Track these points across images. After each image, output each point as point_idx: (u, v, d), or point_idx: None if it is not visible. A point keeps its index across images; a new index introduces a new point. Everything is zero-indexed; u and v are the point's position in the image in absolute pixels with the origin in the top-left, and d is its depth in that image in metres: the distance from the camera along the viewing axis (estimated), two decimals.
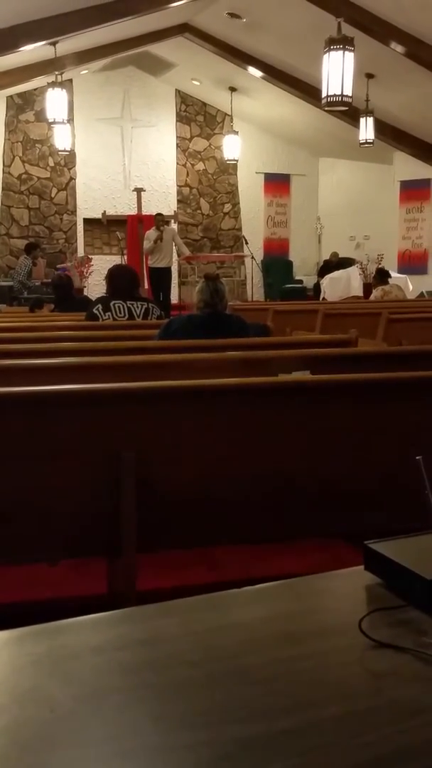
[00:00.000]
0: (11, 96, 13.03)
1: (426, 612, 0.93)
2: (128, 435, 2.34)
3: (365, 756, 0.67)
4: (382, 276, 9.03)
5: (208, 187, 14.51)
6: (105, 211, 12.96)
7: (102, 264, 12.14)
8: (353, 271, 11.46)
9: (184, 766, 0.67)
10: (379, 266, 10.27)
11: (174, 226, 12.79)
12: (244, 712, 0.75)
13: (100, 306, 4.77)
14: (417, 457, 1.00)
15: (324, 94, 7.57)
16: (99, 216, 13.00)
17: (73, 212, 13.70)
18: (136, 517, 2.29)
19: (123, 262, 11.76)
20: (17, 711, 0.76)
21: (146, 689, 0.79)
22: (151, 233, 11.05)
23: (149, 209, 12.70)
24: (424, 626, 0.90)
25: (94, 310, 4.75)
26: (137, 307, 4.74)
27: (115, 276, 4.90)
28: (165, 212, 12.34)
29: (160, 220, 11.16)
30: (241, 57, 11.30)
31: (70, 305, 6.41)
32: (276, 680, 0.80)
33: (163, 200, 13.80)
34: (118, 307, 4.70)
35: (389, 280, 8.98)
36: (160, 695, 0.78)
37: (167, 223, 11.60)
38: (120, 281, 4.84)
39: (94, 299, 6.02)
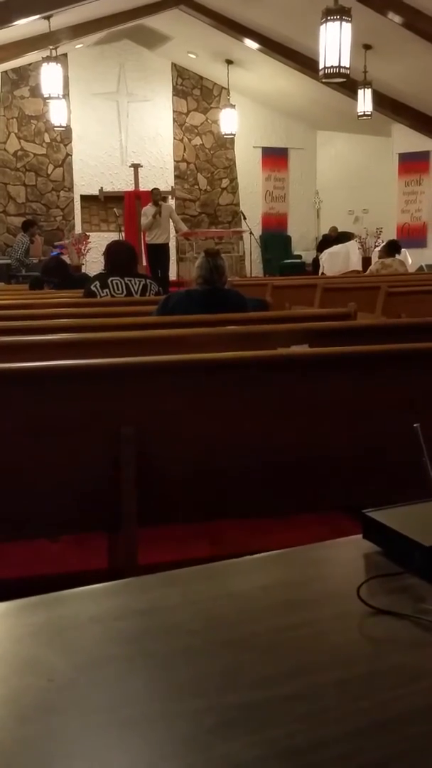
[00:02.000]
0: (5, 71, 12.88)
1: (424, 578, 0.93)
2: (128, 410, 2.34)
3: (365, 720, 0.68)
4: (391, 248, 8.93)
5: (206, 162, 14.38)
6: (102, 188, 12.86)
7: (100, 241, 12.07)
8: (352, 246, 11.41)
9: (184, 734, 0.68)
10: (392, 239, 10.17)
11: (171, 202, 12.71)
12: (244, 679, 0.75)
13: (97, 283, 4.74)
14: (414, 425, 1.00)
15: (321, 66, 7.50)
16: (96, 192, 12.90)
17: (70, 189, 13.60)
18: (136, 491, 2.30)
19: (121, 239, 11.70)
20: (16, 681, 0.76)
21: (146, 658, 0.79)
22: (149, 209, 10.97)
23: (146, 185, 12.60)
24: (422, 593, 0.90)
25: (92, 287, 4.73)
26: (135, 283, 4.71)
27: (113, 252, 4.88)
28: (162, 188, 12.26)
29: (157, 195, 11.07)
30: (238, 29, 11.15)
31: (70, 284, 6.39)
32: (276, 647, 0.80)
33: (160, 176, 13.69)
34: (116, 283, 4.67)
35: (397, 255, 8.89)
36: (159, 664, 0.78)
37: (164, 199, 11.52)
38: (118, 257, 4.81)
39: (92, 276, 5.99)
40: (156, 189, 11.37)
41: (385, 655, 0.79)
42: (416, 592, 0.91)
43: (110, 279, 4.70)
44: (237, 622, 0.86)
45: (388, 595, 0.90)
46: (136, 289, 4.71)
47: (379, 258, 8.97)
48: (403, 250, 10.75)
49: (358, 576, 0.94)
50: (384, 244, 9.49)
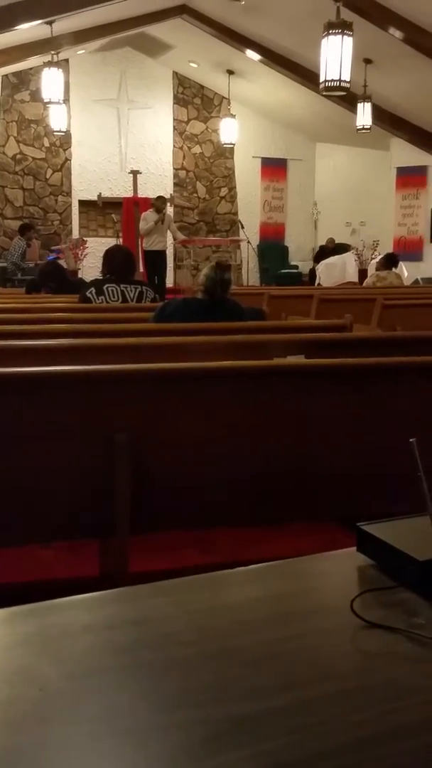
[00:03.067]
0: (6, 75, 12.90)
1: (418, 593, 0.93)
2: (122, 417, 2.34)
3: (356, 735, 0.67)
4: (389, 261, 8.95)
5: (205, 171, 14.42)
6: (100, 193, 12.87)
7: (97, 246, 12.09)
8: (349, 257, 11.43)
9: (176, 745, 0.67)
10: (390, 252, 10.20)
11: (170, 210, 12.74)
12: (236, 691, 0.75)
13: (93, 289, 4.74)
14: (411, 440, 1.00)
15: (322, 79, 7.54)
16: (94, 198, 12.91)
17: (68, 194, 13.61)
18: (129, 499, 2.29)
19: (121, 244, 11.70)
20: (7, 690, 0.76)
21: (139, 668, 0.79)
22: (150, 215, 10.96)
23: (145, 192, 12.63)
24: (415, 607, 0.90)
25: (87, 294, 4.73)
26: (131, 290, 4.71)
27: (111, 256, 4.88)
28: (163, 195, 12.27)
29: (162, 203, 11.06)
30: (239, 40, 11.21)
31: (67, 289, 6.37)
32: (268, 660, 0.80)
33: (159, 183, 13.71)
34: (112, 290, 4.67)
35: (393, 268, 8.91)
36: (152, 674, 0.78)
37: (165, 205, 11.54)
38: (116, 262, 4.82)
39: (88, 282, 5.99)
40: (161, 197, 11.37)
41: (378, 669, 0.79)
42: (409, 607, 0.91)
43: (106, 286, 4.70)
44: (230, 633, 0.86)
45: (382, 609, 0.90)
46: (131, 296, 4.71)
47: (376, 270, 8.99)
48: (399, 263, 10.80)
49: (351, 589, 0.94)
50: (382, 256, 9.51)
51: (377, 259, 9.98)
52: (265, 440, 2.50)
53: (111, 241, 11.74)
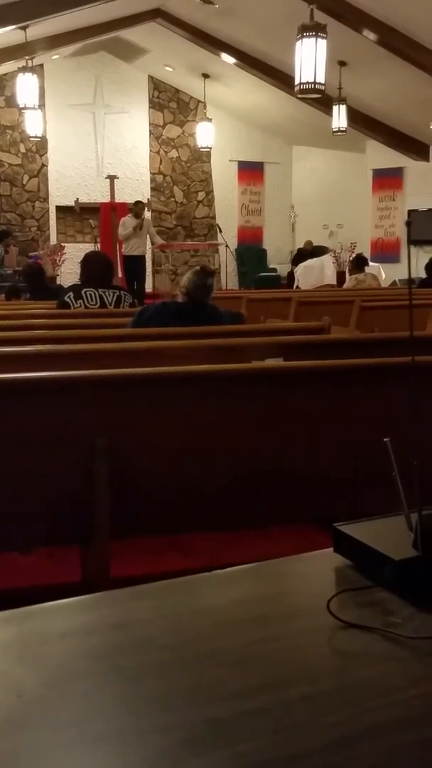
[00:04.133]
0: None
1: (394, 592, 0.93)
2: (101, 422, 2.33)
3: (332, 735, 0.68)
4: (359, 263, 9.04)
5: (182, 175, 14.44)
6: (78, 199, 12.84)
7: (75, 252, 12.06)
8: (327, 260, 11.49)
9: (154, 749, 0.67)
10: (358, 253, 10.30)
11: (147, 214, 12.73)
12: (214, 694, 0.75)
13: (71, 294, 4.73)
14: (385, 440, 1.01)
15: (297, 82, 7.58)
16: (72, 203, 12.87)
17: (46, 199, 13.57)
18: (109, 504, 2.29)
19: (98, 250, 11.66)
20: None
21: (116, 673, 0.79)
22: (128, 220, 10.94)
23: (122, 197, 12.62)
24: (392, 606, 0.91)
25: (65, 298, 4.72)
26: (109, 294, 4.71)
27: (89, 262, 4.88)
28: (138, 200, 12.26)
29: (140, 208, 11.05)
30: (214, 43, 11.24)
31: (44, 294, 6.37)
32: (246, 662, 0.80)
33: (136, 188, 13.71)
34: (90, 294, 4.66)
35: (366, 267, 9.00)
36: (130, 679, 0.78)
37: (143, 211, 11.52)
38: (94, 268, 4.81)
39: (66, 287, 5.98)
40: (140, 202, 11.36)
41: (354, 669, 0.79)
42: (386, 606, 0.91)
43: (84, 290, 4.69)
44: (208, 636, 0.86)
45: (358, 608, 0.91)
46: (110, 301, 4.71)
47: (351, 274, 9.06)
48: (376, 265, 10.88)
49: (328, 590, 0.95)
50: (352, 259, 9.60)
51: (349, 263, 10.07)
52: (243, 443, 2.51)
53: (89, 247, 11.73)
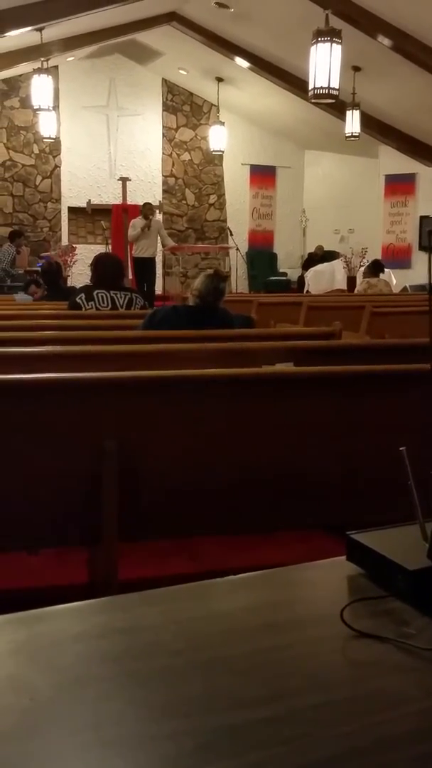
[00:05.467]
0: None
1: (408, 602, 0.93)
2: (111, 424, 2.33)
3: (343, 746, 0.67)
4: (375, 268, 9.00)
5: (194, 178, 14.45)
6: (90, 200, 12.87)
7: (86, 253, 12.09)
8: (337, 265, 11.48)
9: (165, 756, 0.67)
10: (375, 259, 10.27)
11: (159, 216, 12.75)
12: (225, 702, 0.74)
13: (83, 295, 4.74)
14: (401, 448, 1.00)
15: (311, 86, 7.57)
16: (84, 205, 12.91)
17: (58, 200, 13.61)
18: (117, 506, 2.29)
19: (109, 252, 11.69)
20: None
21: (127, 678, 0.79)
22: (138, 221, 10.97)
23: (134, 199, 12.63)
24: (405, 617, 0.90)
25: (77, 299, 4.73)
26: (120, 297, 4.71)
27: (100, 264, 4.88)
28: (150, 202, 12.29)
29: (148, 210, 11.08)
30: (229, 47, 11.25)
31: (59, 293, 6.40)
32: (257, 670, 0.80)
33: (148, 190, 13.73)
34: (102, 296, 4.67)
35: (381, 274, 8.97)
36: (141, 684, 0.78)
37: (154, 213, 11.54)
38: (105, 269, 4.81)
39: (78, 288, 6.00)
40: (148, 203, 11.38)
41: (367, 679, 0.79)
42: (399, 616, 0.91)
43: (96, 292, 4.70)
44: (219, 642, 0.86)
45: (372, 618, 0.90)
46: (121, 303, 4.71)
47: (364, 278, 9.03)
48: (387, 270, 10.85)
49: (341, 598, 0.94)
50: (368, 264, 9.57)
51: (365, 267, 10.04)
52: (253, 448, 2.50)
53: (100, 248, 11.76)
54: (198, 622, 0.91)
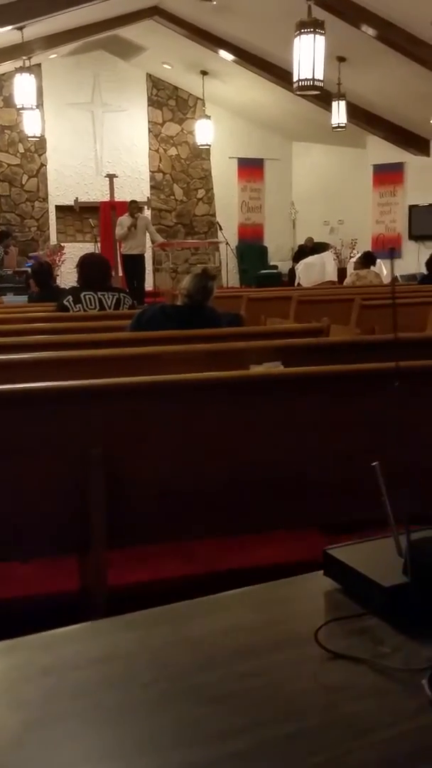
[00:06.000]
0: None
1: (384, 619, 0.92)
2: (96, 431, 2.32)
3: None
4: (367, 260, 8.98)
5: (181, 173, 14.40)
6: (77, 198, 12.81)
7: (75, 252, 12.02)
8: (327, 256, 11.45)
9: None
10: (366, 250, 10.25)
11: (147, 213, 12.70)
12: (196, 735, 0.73)
13: (70, 297, 4.71)
14: (373, 464, 0.99)
15: (295, 78, 7.54)
16: (71, 203, 12.85)
17: (45, 199, 13.54)
18: (104, 513, 2.28)
19: (96, 250, 11.66)
20: None
21: (99, 712, 0.78)
22: (125, 219, 10.94)
23: (122, 195, 12.58)
24: (381, 635, 0.89)
25: (65, 302, 4.70)
26: (108, 297, 4.69)
27: (86, 264, 4.84)
28: (138, 198, 12.25)
29: (134, 207, 11.06)
30: (212, 40, 11.20)
31: (49, 294, 6.38)
32: (229, 698, 0.79)
33: (135, 186, 13.68)
34: (89, 298, 4.65)
35: (372, 266, 8.94)
36: (112, 720, 0.77)
37: (141, 210, 11.51)
38: (91, 270, 4.78)
39: (66, 289, 5.97)
40: (134, 201, 11.35)
41: (341, 704, 0.77)
42: (375, 634, 0.90)
43: (83, 293, 4.67)
44: (193, 670, 0.85)
45: (347, 637, 0.89)
46: (109, 304, 4.69)
47: (354, 270, 9.01)
48: (378, 261, 10.84)
49: (317, 617, 0.93)
50: (359, 255, 9.55)
51: (355, 258, 10.02)
52: (241, 449, 2.49)
53: (89, 247, 11.72)
54: (174, 648, 0.90)
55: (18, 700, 0.80)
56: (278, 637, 0.91)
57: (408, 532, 0.94)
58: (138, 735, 0.73)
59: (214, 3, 9.81)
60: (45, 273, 7.01)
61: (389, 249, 9.50)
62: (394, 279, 11.15)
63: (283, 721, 0.75)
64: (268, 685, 0.81)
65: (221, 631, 0.93)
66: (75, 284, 5.10)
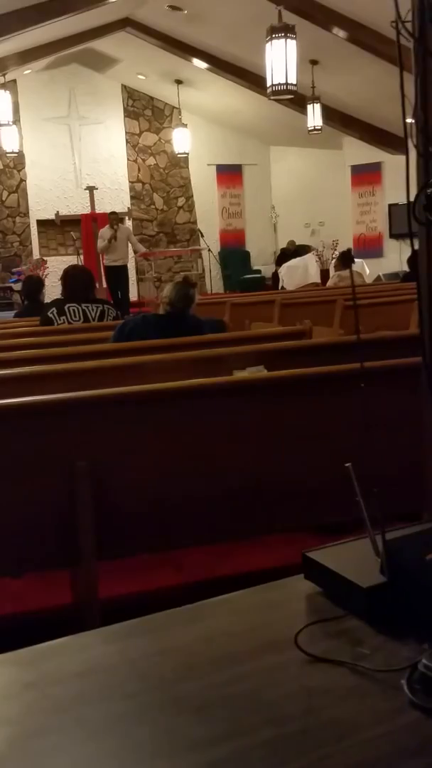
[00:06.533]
0: None
1: (363, 620, 0.92)
2: (81, 444, 2.32)
3: None
4: (345, 259, 9.01)
5: (161, 182, 14.42)
6: (58, 212, 12.82)
7: (58, 265, 12.00)
8: (310, 259, 11.48)
9: None
10: (344, 250, 10.29)
11: (128, 224, 12.71)
12: (176, 745, 0.73)
13: (54, 310, 4.71)
14: (346, 464, 0.99)
15: (269, 83, 7.57)
16: (52, 217, 12.85)
17: (26, 214, 13.53)
18: (92, 526, 2.27)
19: (79, 262, 11.64)
20: None
21: (79, 727, 0.78)
22: (105, 231, 10.95)
23: (103, 207, 12.59)
24: (361, 636, 0.90)
25: (49, 314, 4.70)
26: (92, 309, 4.69)
27: (69, 276, 4.84)
28: (118, 209, 12.26)
29: (114, 219, 11.07)
30: (185, 49, 11.24)
31: (35, 308, 6.38)
32: (209, 707, 0.79)
33: (116, 197, 13.69)
34: (73, 310, 4.64)
35: (353, 264, 8.98)
36: (92, 733, 0.76)
37: (121, 221, 11.51)
38: (74, 282, 4.78)
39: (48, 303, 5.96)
40: (113, 213, 11.36)
41: (320, 709, 0.78)
42: (355, 635, 0.90)
43: (67, 306, 4.67)
44: (174, 680, 0.84)
45: (327, 640, 0.89)
46: (93, 316, 4.69)
47: (335, 270, 9.04)
48: (360, 261, 10.88)
49: (298, 621, 0.93)
50: (337, 256, 9.59)
51: (335, 259, 10.06)
52: (229, 456, 2.49)
53: (72, 260, 11.70)
54: (154, 658, 0.89)
55: (1, 717, 0.79)
56: (258, 642, 0.91)
57: (384, 533, 0.94)
58: (118, 748, 0.73)
59: (185, 12, 9.85)
60: (34, 285, 7.03)
61: (345, 251, 9.54)
62: (377, 278, 11.20)
63: (263, 728, 0.75)
64: (249, 691, 0.81)
65: (200, 639, 0.93)
66: (59, 297, 5.10)
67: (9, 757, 0.74)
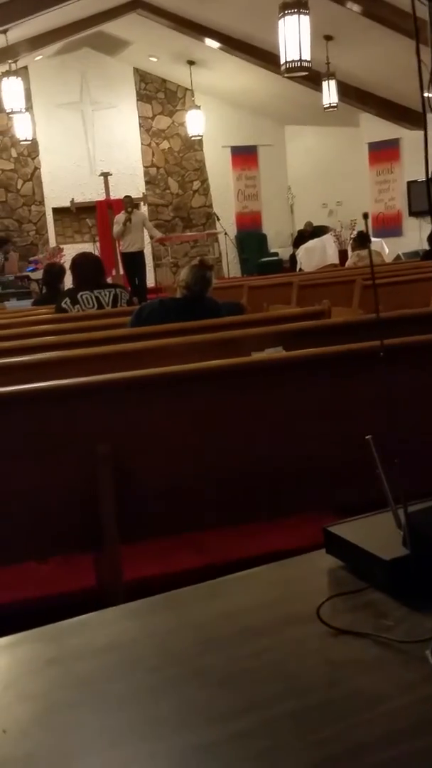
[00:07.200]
0: None
1: (386, 593, 0.91)
2: (103, 427, 2.33)
3: (319, 755, 0.66)
4: (362, 240, 8.95)
5: (175, 166, 14.35)
6: (73, 199, 12.80)
7: (74, 252, 11.96)
8: (328, 239, 11.40)
9: None
10: (360, 230, 10.22)
11: (144, 209, 12.67)
12: (200, 717, 0.73)
13: (68, 299, 4.72)
14: (367, 437, 0.98)
15: (282, 60, 7.47)
16: (68, 204, 12.84)
17: (41, 202, 13.53)
18: (115, 508, 2.28)
19: (95, 250, 11.65)
20: None
21: (102, 701, 0.78)
22: (120, 217, 10.92)
23: (118, 193, 12.56)
24: (383, 608, 0.89)
25: (62, 304, 4.71)
26: (105, 294, 4.69)
27: (78, 265, 4.85)
28: (133, 194, 12.21)
29: (128, 203, 11.04)
30: (197, 29, 11.13)
31: (56, 295, 6.41)
32: (233, 680, 0.79)
33: (130, 182, 13.63)
34: (86, 298, 4.65)
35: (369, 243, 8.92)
36: (115, 707, 0.77)
37: (136, 206, 11.47)
38: (84, 270, 4.79)
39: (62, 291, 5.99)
40: (128, 197, 11.31)
41: (344, 680, 0.77)
42: (378, 608, 0.89)
43: (80, 294, 4.68)
44: (195, 654, 0.85)
45: (350, 613, 0.89)
46: (107, 301, 4.69)
47: (353, 251, 8.97)
48: (379, 240, 10.79)
49: (320, 595, 0.93)
50: (355, 236, 9.51)
51: (352, 240, 9.98)
52: (249, 437, 2.49)
53: (88, 247, 11.69)
54: (176, 633, 0.90)
55: (24, 692, 0.80)
56: (280, 616, 0.91)
57: (405, 505, 0.93)
58: (141, 720, 0.74)
59: None
60: (55, 274, 7.05)
61: (360, 231, 9.48)
62: (397, 257, 11.09)
63: (285, 700, 0.75)
64: (271, 664, 0.81)
65: (222, 614, 0.93)
66: (71, 286, 5.11)
67: (32, 732, 0.74)
